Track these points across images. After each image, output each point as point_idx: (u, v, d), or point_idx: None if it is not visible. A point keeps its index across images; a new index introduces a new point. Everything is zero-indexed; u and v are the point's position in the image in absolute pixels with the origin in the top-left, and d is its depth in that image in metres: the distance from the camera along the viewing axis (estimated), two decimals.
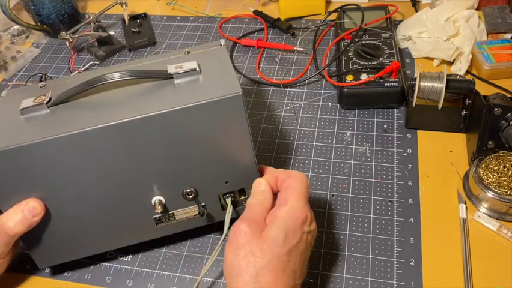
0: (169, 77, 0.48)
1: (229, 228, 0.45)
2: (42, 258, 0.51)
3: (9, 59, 0.84)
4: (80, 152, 0.44)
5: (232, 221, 0.45)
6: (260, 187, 0.46)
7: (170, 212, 0.50)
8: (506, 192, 0.51)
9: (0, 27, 0.90)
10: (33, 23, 0.86)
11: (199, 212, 0.50)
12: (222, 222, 0.49)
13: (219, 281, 0.51)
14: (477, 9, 0.76)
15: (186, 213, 0.50)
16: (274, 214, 0.43)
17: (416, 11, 0.80)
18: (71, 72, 0.80)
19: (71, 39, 0.79)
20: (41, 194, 0.46)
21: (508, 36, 0.73)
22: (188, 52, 0.53)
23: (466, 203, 0.54)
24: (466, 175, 0.57)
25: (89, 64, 0.81)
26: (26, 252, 0.56)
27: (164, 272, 0.53)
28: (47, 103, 0.47)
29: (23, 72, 0.82)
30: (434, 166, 0.59)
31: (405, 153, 0.61)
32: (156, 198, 0.48)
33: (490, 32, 0.74)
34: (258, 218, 0.43)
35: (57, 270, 0.54)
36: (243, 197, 0.51)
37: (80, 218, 0.48)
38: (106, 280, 0.53)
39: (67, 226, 0.49)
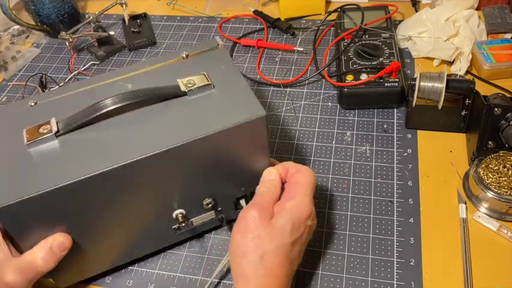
0: (182, 94, 0.46)
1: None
2: (64, 278, 0.50)
3: (9, 59, 0.84)
4: (104, 187, 0.42)
5: None
6: (271, 176, 0.48)
7: (189, 221, 0.50)
8: (506, 192, 0.51)
9: (0, 27, 0.90)
10: (33, 23, 0.86)
11: (218, 219, 0.52)
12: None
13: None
14: (477, 9, 0.76)
15: (204, 218, 0.51)
16: (283, 205, 0.44)
17: (416, 11, 0.80)
18: (71, 72, 0.79)
19: (71, 39, 0.79)
20: (67, 228, 0.44)
21: (508, 36, 0.73)
22: (187, 55, 0.51)
23: (466, 203, 0.54)
24: (466, 175, 0.57)
25: (89, 64, 0.81)
26: None
27: (164, 272, 0.53)
28: (55, 133, 0.43)
29: (23, 72, 0.82)
30: (434, 166, 0.59)
31: (405, 153, 0.61)
32: (178, 212, 0.49)
33: (490, 32, 0.74)
34: (267, 205, 0.45)
35: None
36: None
37: (103, 241, 0.48)
38: (106, 280, 0.53)
39: (89, 249, 0.48)
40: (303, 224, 0.44)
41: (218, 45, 0.52)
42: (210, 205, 0.49)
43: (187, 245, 0.55)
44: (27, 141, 0.43)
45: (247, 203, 0.50)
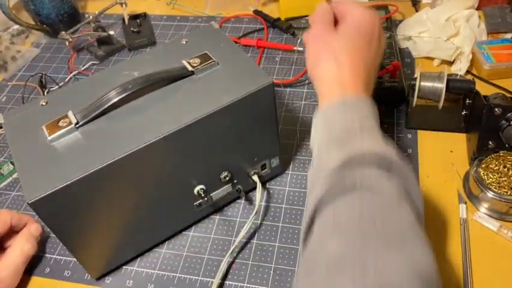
0: (190, 73, 0.49)
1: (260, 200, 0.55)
2: (96, 269, 0.51)
3: (9, 59, 0.84)
4: (131, 170, 0.44)
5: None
6: (321, 5, 0.49)
7: (210, 195, 0.52)
8: (507, 192, 0.51)
9: (0, 27, 0.90)
10: (33, 22, 0.86)
11: (236, 190, 0.55)
12: (225, 220, 0.50)
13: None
14: (477, 9, 0.76)
15: (222, 192, 0.54)
16: (344, 18, 0.46)
17: (416, 11, 0.80)
18: (71, 72, 0.79)
19: (70, 39, 0.79)
20: (97, 214, 0.45)
21: (508, 36, 0.73)
22: (187, 42, 0.54)
23: (466, 203, 0.54)
24: (466, 175, 0.57)
25: (88, 64, 0.81)
26: None
27: (164, 272, 0.53)
28: (75, 125, 0.44)
29: (23, 72, 0.82)
30: (434, 166, 0.59)
31: (405, 153, 0.61)
32: (198, 188, 0.51)
33: (490, 32, 0.73)
34: (328, 20, 0.47)
35: (57, 270, 0.54)
36: (264, 170, 0.56)
37: (131, 225, 0.49)
38: (106, 280, 0.53)
39: (118, 234, 0.49)
40: (369, 32, 0.45)
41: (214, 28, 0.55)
42: (227, 178, 0.52)
43: (187, 245, 0.55)
44: (50, 136, 0.44)
45: (259, 178, 0.55)
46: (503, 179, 0.52)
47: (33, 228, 0.54)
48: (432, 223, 0.53)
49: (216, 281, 0.50)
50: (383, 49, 0.48)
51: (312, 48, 0.46)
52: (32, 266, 0.54)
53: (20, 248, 0.51)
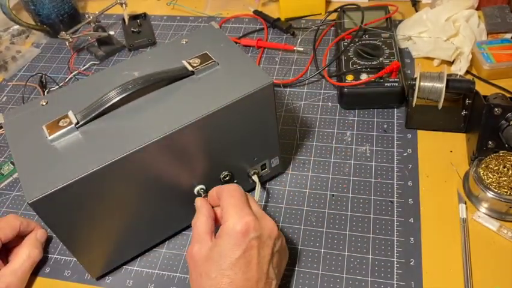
0: (190, 74, 0.49)
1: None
2: (97, 268, 0.51)
3: (9, 59, 0.84)
4: (131, 169, 0.44)
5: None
6: (197, 203, 0.48)
7: None
8: (506, 192, 0.51)
9: (0, 27, 0.90)
10: (33, 23, 0.86)
11: None
12: None
13: None
14: (477, 9, 0.76)
15: None
16: (218, 234, 0.44)
17: (416, 11, 0.80)
18: (71, 72, 0.80)
19: (71, 39, 0.79)
20: (97, 214, 0.45)
21: (508, 36, 0.73)
22: (187, 42, 0.54)
23: (466, 203, 0.54)
24: (466, 175, 0.57)
25: (89, 64, 0.81)
26: None
27: (164, 272, 0.53)
28: (75, 125, 0.44)
29: (23, 72, 0.82)
30: (434, 166, 0.59)
31: (405, 153, 0.61)
32: (199, 187, 0.51)
33: (490, 32, 0.73)
34: (203, 236, 0.44)
35: (57, 270, 0.54)
36: (264, 170, 0.57)
37: (131, 224, 0.49)
38: (106, 280, 0.53)
39: (118, 234, 0.49)
40: (240, 244, 0.42)
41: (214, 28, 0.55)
42: (227, 178, 0.53)
43: (187, 245, 0.55)
44: (50, 136, 0.44)
45: (259, 178, 0.55)
46: (503, 178, 0.52)
47: (39, 233, 0.54)
48: (432, 223, 0.53)
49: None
50: (271, 234, 0.44)
51: (190, 277, 0.45)
52: None
53: (28, 253, 0.52)
